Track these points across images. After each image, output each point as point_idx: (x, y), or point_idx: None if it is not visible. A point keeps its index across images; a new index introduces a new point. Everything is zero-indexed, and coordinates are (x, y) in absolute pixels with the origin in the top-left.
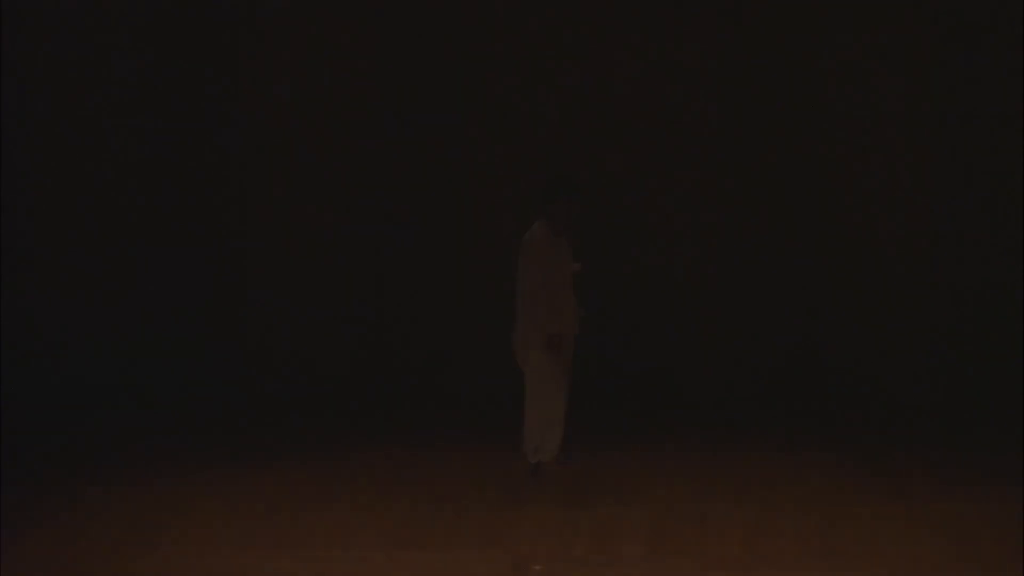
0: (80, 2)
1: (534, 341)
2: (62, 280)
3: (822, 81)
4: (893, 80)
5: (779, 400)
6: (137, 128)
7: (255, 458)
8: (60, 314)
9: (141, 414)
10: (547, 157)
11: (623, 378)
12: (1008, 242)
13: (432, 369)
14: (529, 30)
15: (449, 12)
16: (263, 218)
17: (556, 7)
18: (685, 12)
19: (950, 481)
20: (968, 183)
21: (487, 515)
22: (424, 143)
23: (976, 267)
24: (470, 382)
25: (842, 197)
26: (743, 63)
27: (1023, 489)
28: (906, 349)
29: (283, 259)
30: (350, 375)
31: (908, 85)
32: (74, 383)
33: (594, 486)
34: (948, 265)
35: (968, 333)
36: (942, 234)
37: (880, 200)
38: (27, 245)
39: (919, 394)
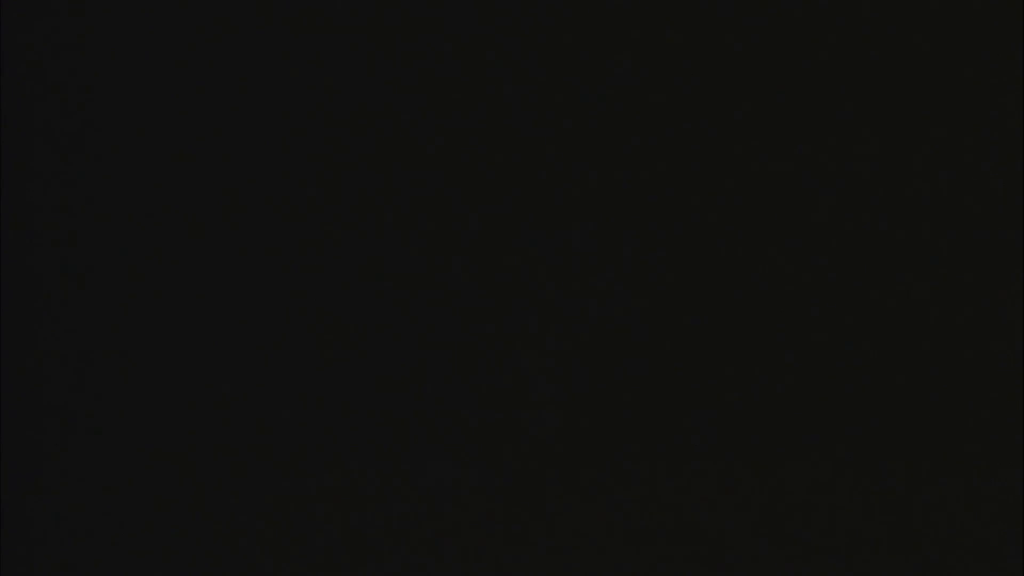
0: None
1: None
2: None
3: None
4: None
5: (778, 401)
6: None
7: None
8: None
9: (142, 414)
10: (545, 160)
11: (625, 379)
12: (1008, 245)
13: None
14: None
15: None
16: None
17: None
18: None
19: (949, 480)
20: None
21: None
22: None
23: (976, 268)
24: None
25: (846, 201)
26: (750, 64)
27: (1023, 487)
28: (904, 349)
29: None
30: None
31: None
32: (75, 383)
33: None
34: (947, 266)
35: (967, 334)
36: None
37: (882, 203)
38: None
39: (918, 393)
